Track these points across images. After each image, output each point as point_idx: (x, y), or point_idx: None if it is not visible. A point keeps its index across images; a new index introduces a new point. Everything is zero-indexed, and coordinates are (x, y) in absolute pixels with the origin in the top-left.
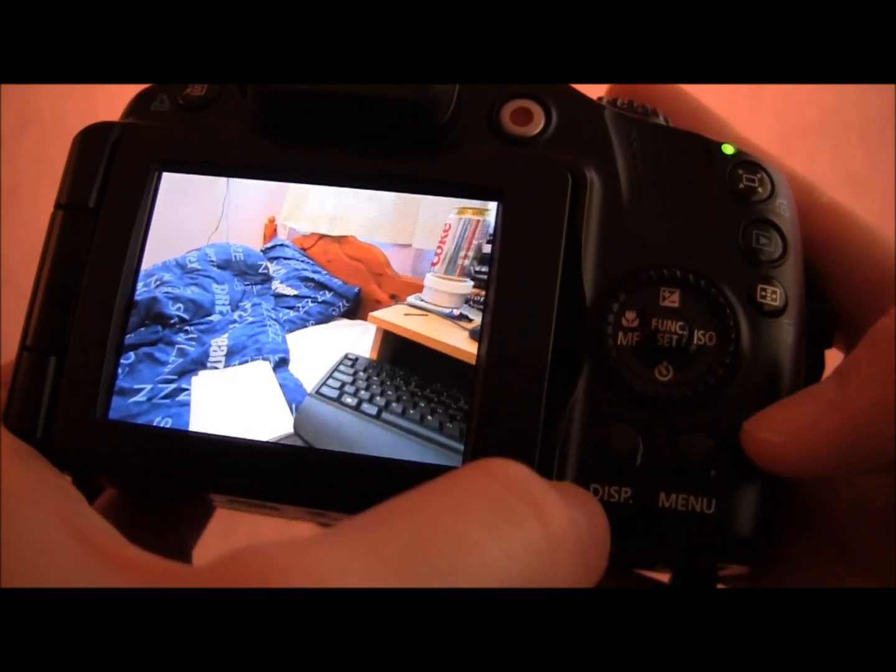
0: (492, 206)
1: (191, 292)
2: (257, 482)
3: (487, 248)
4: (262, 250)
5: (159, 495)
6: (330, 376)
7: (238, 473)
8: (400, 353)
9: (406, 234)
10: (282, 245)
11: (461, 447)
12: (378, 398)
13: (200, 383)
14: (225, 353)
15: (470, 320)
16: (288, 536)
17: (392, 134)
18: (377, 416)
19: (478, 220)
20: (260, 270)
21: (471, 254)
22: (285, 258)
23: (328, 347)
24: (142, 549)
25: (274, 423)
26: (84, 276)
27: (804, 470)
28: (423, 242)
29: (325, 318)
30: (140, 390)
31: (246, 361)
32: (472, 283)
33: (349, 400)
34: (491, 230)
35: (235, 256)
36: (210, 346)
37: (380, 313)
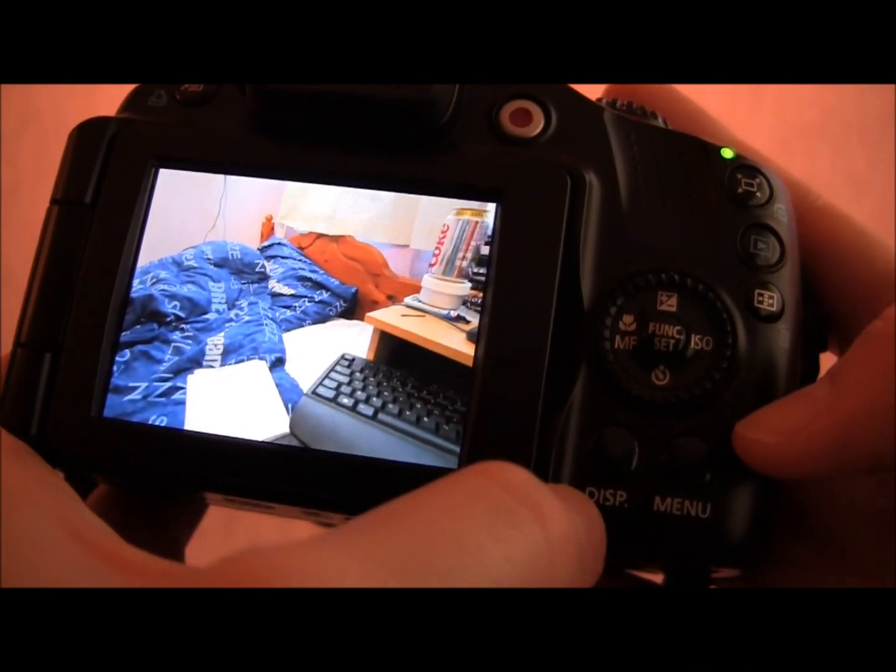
0: (490, 207)
1: (187, 290)
2: (253, 482)
3: (485, 250)
4: (259, 249)
5: (153, 493)
6: (326, 376)
7: (233, 473)
8: (397, 354)
9: (404, 234)
10: (279, 244)
11: (457, 449)
12: (374, 399)
13: (196, 382)
14: (221, 351)
15: (467, 322)
16: (288, 538)
17: (391, 134)
18: (373, 417)
19: (476, 222)
20: (257, 269)
21: (469, 255)
22: (282, 257)
23: (325, 347)
24: (136, 547)
25: (270, 422)
26: (79, 272)
27: (797, 471)
28: (421, 243)
29: (321, 318)
30: (135, 388)
31: (242, 360)
32: (469, 284)
33: (345, 400)
34: (489, 232)
35: (232, 255)
36: (206, 344)
37: (377, 314)
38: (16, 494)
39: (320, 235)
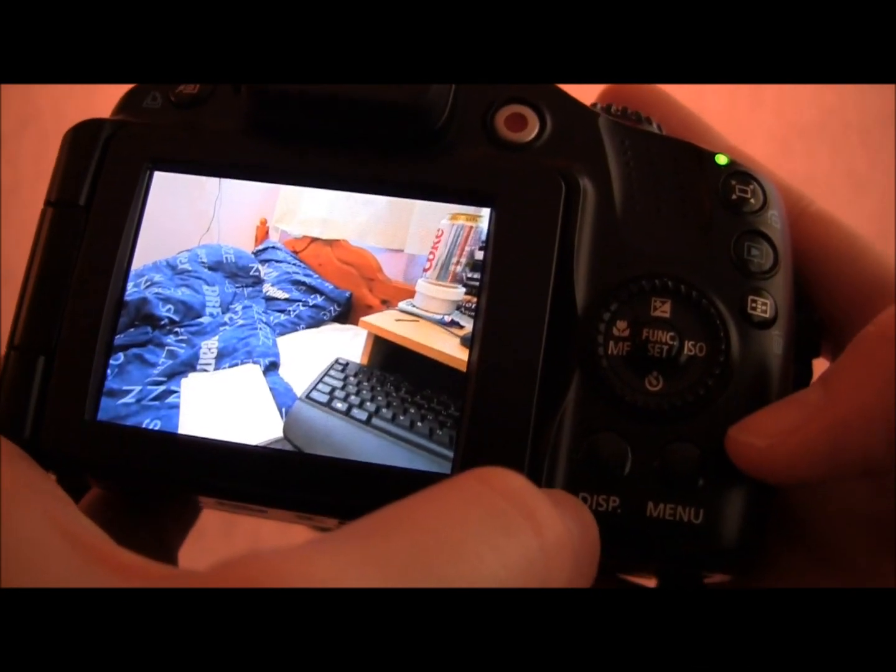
0: (485, 212)
1: (181, 293)
2: (246, 486)
3: (480, 255)
4: (253, 252)
5: (147, 497)
6: (320, 381)
7: (227, 477)
8: (391, 359)
9: (398, 239)
10: (273, 247)
11: (451, 454)
12: (368, 403)
13: (190, 386)
14: (215, 355)
15: (461, 327)
16: (289, 540)
17: (386, 137)
18: (367, 422)
19: (470, 227)
20: (251, 273)
21: (463, 260)
22: (277, 261)
23: (319, 352)
24: (129, 550)
25: (263, 426)
26: (74, 274)
27: (789, 474)
28: (415, 248)
29: (315, 322)
30: (129, 392)
31: (236, 364)
32: (463, 289)
33: (339, 405)
34: (483, 236)
35: (226, 258)
36: (200, 348)
37: (371, 318)
38: (9, 497)
39: (315, 239)
